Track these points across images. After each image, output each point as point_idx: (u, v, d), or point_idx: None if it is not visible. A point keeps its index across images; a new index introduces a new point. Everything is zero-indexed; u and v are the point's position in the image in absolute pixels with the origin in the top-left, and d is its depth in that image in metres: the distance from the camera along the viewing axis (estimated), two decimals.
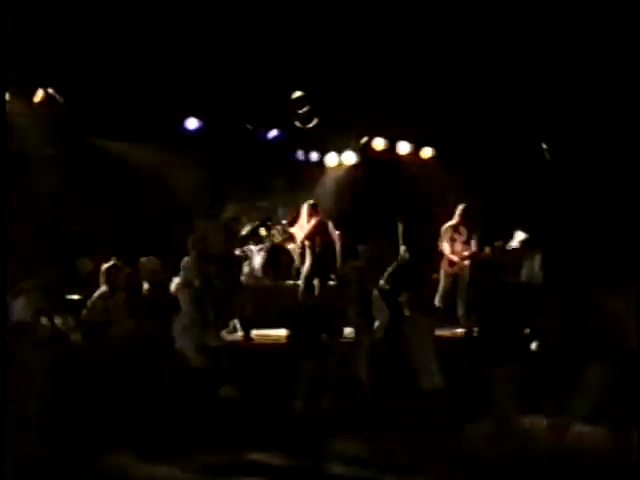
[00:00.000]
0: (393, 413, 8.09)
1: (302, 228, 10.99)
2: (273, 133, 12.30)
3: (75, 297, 9.58)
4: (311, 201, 11.12)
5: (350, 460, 7.16)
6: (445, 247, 10.90)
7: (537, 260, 9.64)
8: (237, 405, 8.19)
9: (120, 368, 8.03)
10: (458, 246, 10.93)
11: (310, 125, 11.03)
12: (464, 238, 10.96)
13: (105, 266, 8.89)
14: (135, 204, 11.36)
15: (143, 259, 9.35)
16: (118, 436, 7.47)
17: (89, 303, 8.81)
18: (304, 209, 10.99)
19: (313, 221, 10.81)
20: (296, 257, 11.28)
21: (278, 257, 11.53)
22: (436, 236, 11.01)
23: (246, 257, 11.27)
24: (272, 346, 9.41)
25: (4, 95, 9.01)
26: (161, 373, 8.24)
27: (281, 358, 8.68)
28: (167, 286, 8.96)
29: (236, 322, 9.85)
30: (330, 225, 10.83)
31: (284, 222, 12.03)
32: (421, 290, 9.94)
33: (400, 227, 11.38)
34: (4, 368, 6.60)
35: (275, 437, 7.62)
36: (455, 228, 10.95)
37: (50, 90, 9.99)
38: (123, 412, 7.69)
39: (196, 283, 8.86)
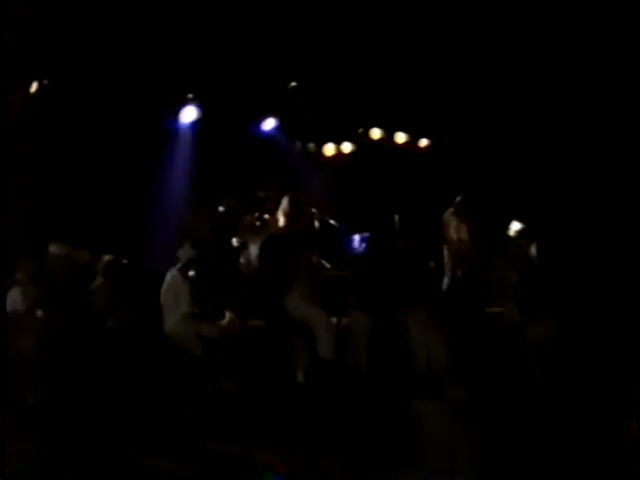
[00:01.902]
0: (391, 401, 8.08)
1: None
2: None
3: (72, 288, 9.58)
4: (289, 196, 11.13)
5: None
6: (452, 235, 10.97)
7: (532, 249, 9.64)
8: (236, 396, 8.19)
9: (117, 359, 8.06)
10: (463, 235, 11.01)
11: (307, 115, 11.00)
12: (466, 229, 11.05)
13: (105, 258, 8.94)
14: (132, 195, 11.33)
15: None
16: (116, 429, 7.46)
17: (86, 294, 8.83)
18: (284, 203, 11.01)
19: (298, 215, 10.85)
20: None
21: (274, 247, 11.48)
22: (434, 225, 11.05)
23: (243, 247, 11.24)
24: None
25: (4, 95, 8.95)
26: (158, 364, 8.27)
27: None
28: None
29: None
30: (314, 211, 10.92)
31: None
32: (419, 279, 9.95)
33: (397, 217, 11.39)
34: (3, 367, 6.58)
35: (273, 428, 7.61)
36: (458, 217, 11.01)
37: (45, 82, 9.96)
38: (121, 404, 7.70)
39: (193, 274, 8.86)
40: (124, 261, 9.42)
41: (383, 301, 8.66)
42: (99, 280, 8.95)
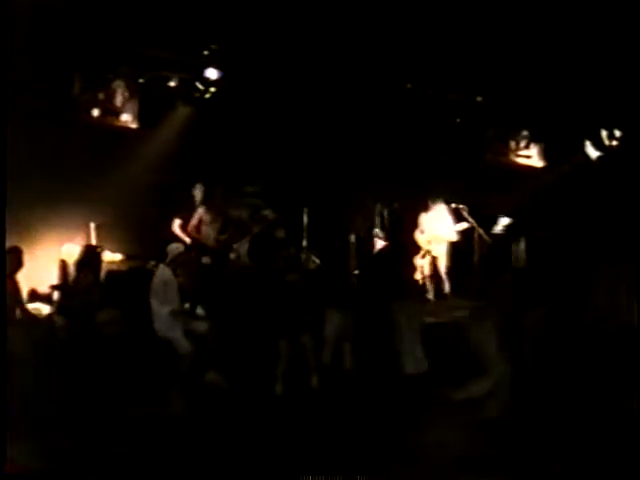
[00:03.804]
0: (375, 397, 8.13)
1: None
2: None
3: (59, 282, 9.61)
4: None
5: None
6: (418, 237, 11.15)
7: (522, 244, 9.71)
8: (223, 391, 8.22)
9: (105, 353, 8.07)
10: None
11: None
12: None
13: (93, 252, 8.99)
14: (127, 188, 11.31)
15: None
16: (104, 423, 7.47)
17: (74, 288, 8.84)
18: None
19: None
20: None
21: (264, 244, 11.52)
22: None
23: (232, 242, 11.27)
24: None
25: (4, 94, 8.95)
26: (147, 359, 8.29)
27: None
28: None
29: None
30: None
31: None
32: (405, 275, 9.99)
33: (385, 212, 11.45)
34: (3, 365, 6.57)
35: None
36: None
37: None
38: (108, 400, 7.70)
39: (182, 271, 8.85)
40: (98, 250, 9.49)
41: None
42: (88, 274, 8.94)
